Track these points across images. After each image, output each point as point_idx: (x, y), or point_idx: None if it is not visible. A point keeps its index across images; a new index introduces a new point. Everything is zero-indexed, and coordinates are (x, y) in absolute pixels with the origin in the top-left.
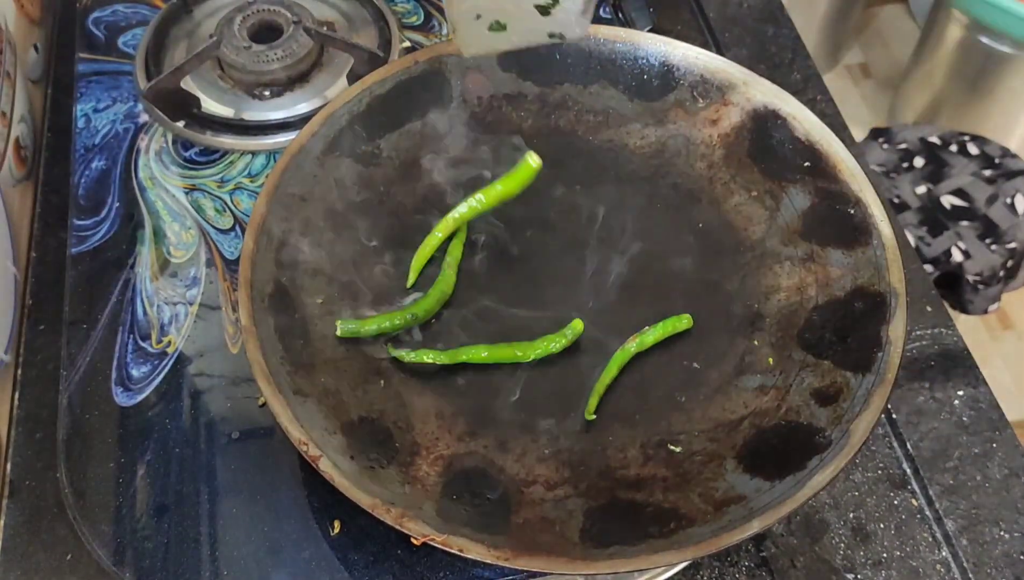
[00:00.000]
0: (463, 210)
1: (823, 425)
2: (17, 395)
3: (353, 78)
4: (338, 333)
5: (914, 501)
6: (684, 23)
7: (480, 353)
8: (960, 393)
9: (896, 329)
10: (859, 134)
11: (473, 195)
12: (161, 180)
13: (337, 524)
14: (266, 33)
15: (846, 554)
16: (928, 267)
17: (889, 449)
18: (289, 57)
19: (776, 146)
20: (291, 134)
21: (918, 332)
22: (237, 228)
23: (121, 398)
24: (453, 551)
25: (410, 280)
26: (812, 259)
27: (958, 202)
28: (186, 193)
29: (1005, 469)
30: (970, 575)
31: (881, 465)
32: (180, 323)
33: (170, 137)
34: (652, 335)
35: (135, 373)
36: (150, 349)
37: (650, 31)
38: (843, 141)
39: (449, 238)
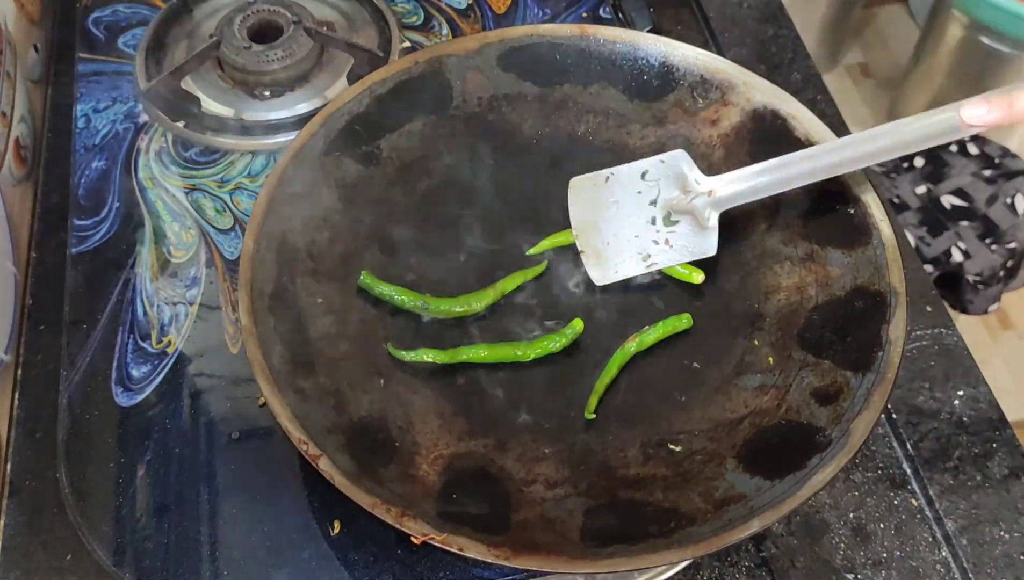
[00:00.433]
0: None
1: (823, 424)
2: (17, 395)
3: (353, 78)
4: (359, 281)
5: (914, 501)
6: (684, 23)
7: (480, 352)
8: (960, 393)
9: (896, 329)
10: None
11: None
12: (161, 180)
13: (337, 524)
14: (266, 33)
15: (846, 554)
16: (928, 267)
17: (889, 449)
18: (289, 57)
19: (776, 146)
20: (291, 134)
21: (918, 332)
22: (237, 228)
23: (121, 398)
24: (453, 550)
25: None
26: (812, 259)
27: (958, 202)
28: (186, 193)
29: (1005, 469)
30: (970, 575)
31: (881, 465)
32: (180, 323)
33: (170, 137)
34: (652, 334)
35: (135, 373)
36: (150, 349)
37: (650, 31)
38: None
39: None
